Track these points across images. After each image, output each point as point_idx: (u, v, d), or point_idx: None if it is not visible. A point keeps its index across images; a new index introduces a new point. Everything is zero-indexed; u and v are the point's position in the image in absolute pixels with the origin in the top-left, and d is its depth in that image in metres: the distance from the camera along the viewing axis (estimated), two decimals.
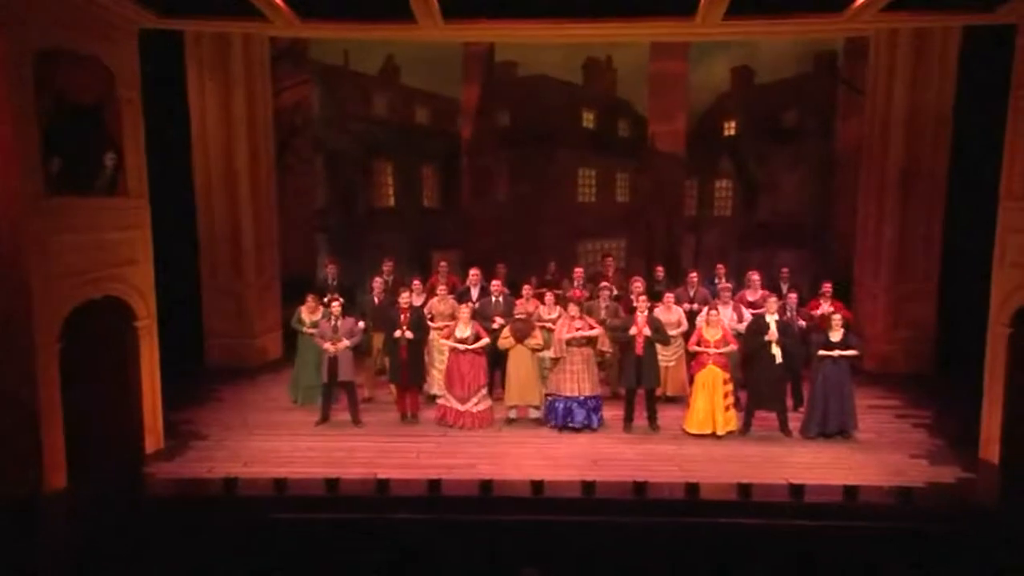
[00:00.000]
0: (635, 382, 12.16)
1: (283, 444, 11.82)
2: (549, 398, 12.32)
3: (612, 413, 12.55)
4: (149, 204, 11.44)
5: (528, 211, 18.68)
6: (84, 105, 10.77)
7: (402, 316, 12.48)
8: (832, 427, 11.78)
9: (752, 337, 11.99)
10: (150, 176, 11.47)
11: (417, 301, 13.56)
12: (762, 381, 11.94)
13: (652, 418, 12.28)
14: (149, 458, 11.40)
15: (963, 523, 9.72)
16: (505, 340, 12.39)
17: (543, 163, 18.65)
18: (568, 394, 12.12)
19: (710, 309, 12.39)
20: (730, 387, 12.06)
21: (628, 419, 12.29)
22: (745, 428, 12.05)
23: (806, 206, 17.85)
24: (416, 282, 14.08)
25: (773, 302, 12.15)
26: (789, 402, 12.55)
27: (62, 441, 10.35)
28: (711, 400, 11.90)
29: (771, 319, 11.92)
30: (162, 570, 9.29)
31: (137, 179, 11.22)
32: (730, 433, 11.97)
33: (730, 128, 18.50)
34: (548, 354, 12.43)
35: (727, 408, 11.98)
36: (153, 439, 11.67)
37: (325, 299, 13.68)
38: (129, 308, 11.25)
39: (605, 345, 12.53)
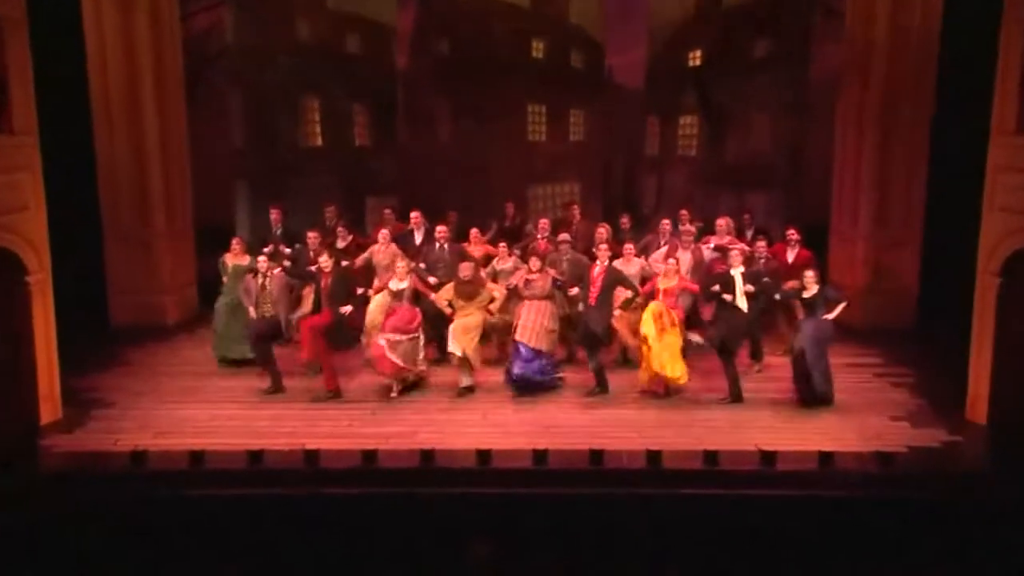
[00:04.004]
0: (584, 334, 12.23)
1: (199, 412, 11.68)
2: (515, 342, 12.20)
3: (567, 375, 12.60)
4: (39, 143, 11.09)
5: (472, 151, 18.53)
6: None
7: (323, 280, 12.15)
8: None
9: (712, 288, 12.08)
10: (40, 111, 11.09)
11: (341, 244, 13.73)
12: (727, 329, 11.94)
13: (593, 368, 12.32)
14: (45, 430, 11.18)
15: (949, 490, 9.83)
16: (444, 298, 12.20)
17: (488, 98, 18.48)
18: (521, 339, 12.04)
19: (667, 258, 12.51)
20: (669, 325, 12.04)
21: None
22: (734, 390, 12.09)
23: (779, 144, 17.85)
24: (340, 228, 14.04)
25: (736, 255, 12.11)
26: (747, 360, 12.72)
27: None
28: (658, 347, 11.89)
29: (736, 272, 11.93)
30: (61, 554, 9.17)
31: (24, 114, 10.86)
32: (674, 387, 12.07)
33: (695, 58, 18.42)
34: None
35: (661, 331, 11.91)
36: (49, 408, 11.42)
37: (267, 248, 13.57)
38: (19, 261, 10.95)
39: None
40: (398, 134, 18.78)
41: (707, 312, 12.82)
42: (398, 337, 11.92)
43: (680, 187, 18.55)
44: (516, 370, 12.02)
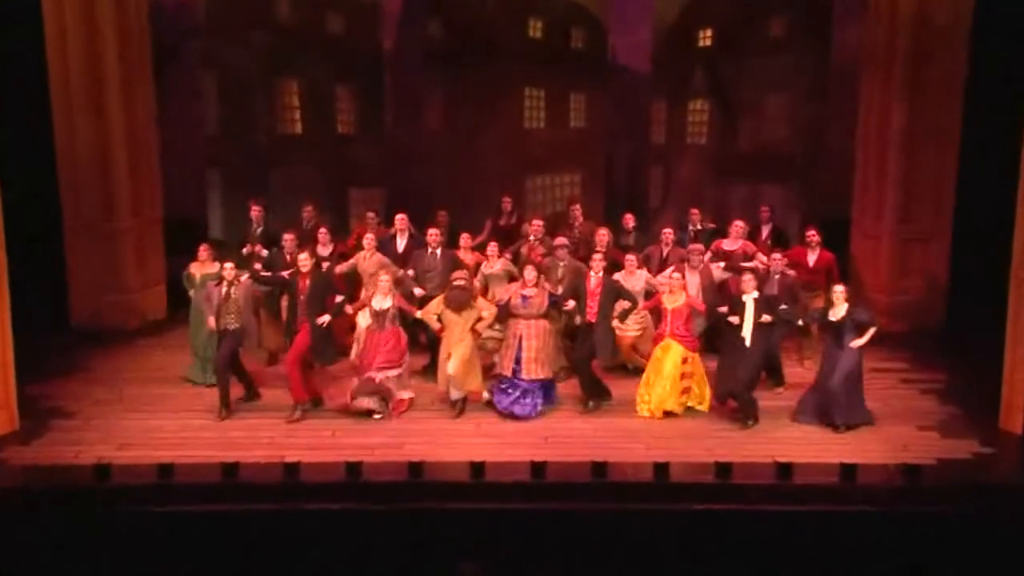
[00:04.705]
0: (585, 353, 12.06)
1: (168, 423, 11.67)
2: (498, 379, 12.00)
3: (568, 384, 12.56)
4: None
5: (464, 139, 18.52)
6: None
7: (300, 283, 11.88)
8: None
9: (718, 309, 11.91)
10: None
11: (323, 251, 13.41)
12: (728, 364, 11.75)
13: (586, 393, 12.17)
14: (0, 441, 11.11)
15: (981, 505, 9.83)
16: (432, 312, 11.98)
17: (481, 81, 18.47)
18: (531, 376, 11.83)
19: (672, 272, 12.31)
20: (690, 369, 11.96)
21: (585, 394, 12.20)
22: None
23: (796, 132, 17.85)
24: (323, 230, 13.83)
25: (750, 281, 11.76)
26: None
27: None
28: (663, 381, 11.77)
29: (749, 299, 11.63)
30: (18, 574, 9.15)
31: None
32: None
33: (706, 38, 18.40)
34: (492, 332, 12.29)
35: (683, 392, 11.88)
36: (5, 418, 11.37)
37: (244, 249, 13.43)
38: None
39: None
40: (384, 121, 18.75)
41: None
42: (394, 372, 11.80)
43: (689, 178, 18.53)
44: (519, 411, 11.80)
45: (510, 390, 11.85)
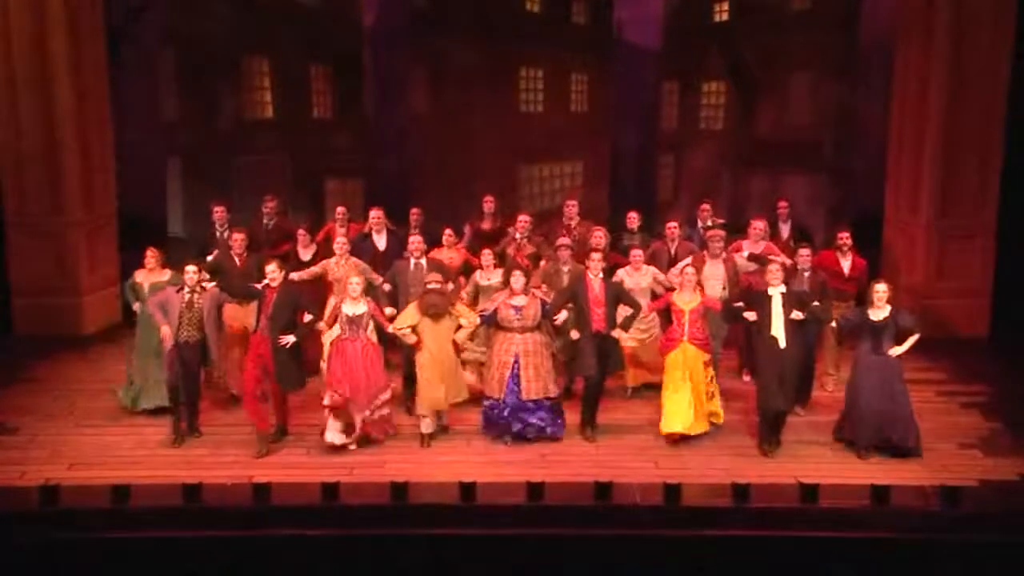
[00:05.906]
0: (598, 368, 11.83)
1: (124, 439, 11.66)
2: (485, 403, 11.85)
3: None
4: None
5: (454, 125, 18.55)
6: None
7: (267, 297, 11.52)
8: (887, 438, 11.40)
9: (735, 305, 11.73)
10: None
11: (305, 255, 13.30)
12: (767, 372, 11.48)
13: (590, 418, 12.03)
14: None
15: None
16: (406, 324, 11.69)
17: (473, 60, 18.48)
18: (533, 397, 11.67)
19: (684, 267, 12.06)
20: (712, 372, 11.87)
21: (587, 420, 12.05)
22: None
23: (822, 116, 17.90)
24: (302, 232, 13.64)
25: (776, 270, 11.54)
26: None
27: None
28: (694, 388, 11.58)
29: (775, 291, 11.43)
30: None
31: None
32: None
33: (722, 12, 18.45)
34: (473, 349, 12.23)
35: (711, 396, 11.78)
36: None
37: (211, 256, 13.25)
38: None
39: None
40: (364, 104, 18.75)
41: None
42: (379, 401, 11.53)
43: (703, 168, 18.56)
44: (532, 425, 11.68)
45: (508, 413, 11.63)
